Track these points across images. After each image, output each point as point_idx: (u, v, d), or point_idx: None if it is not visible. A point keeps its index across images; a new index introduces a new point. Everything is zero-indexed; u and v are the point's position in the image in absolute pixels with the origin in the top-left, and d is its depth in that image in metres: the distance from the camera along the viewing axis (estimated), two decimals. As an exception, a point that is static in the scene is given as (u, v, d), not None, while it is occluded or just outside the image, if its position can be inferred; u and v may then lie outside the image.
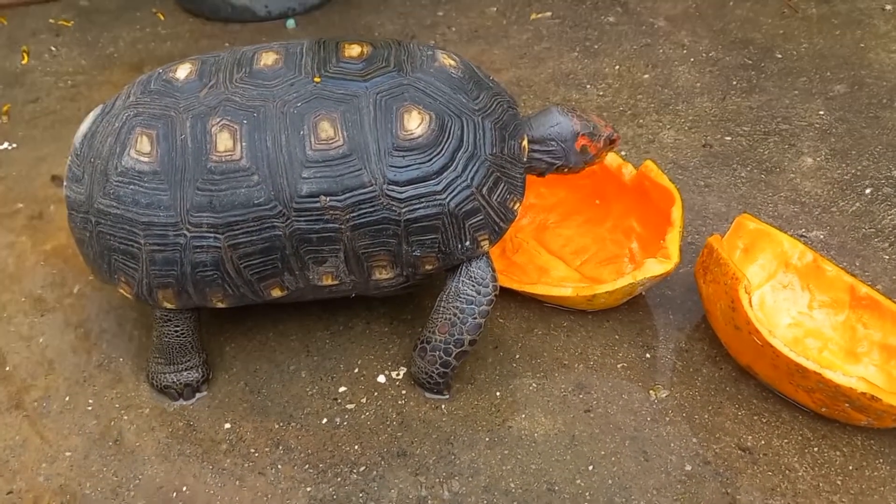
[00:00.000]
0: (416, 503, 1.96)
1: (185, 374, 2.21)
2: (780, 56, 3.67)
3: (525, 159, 2.17)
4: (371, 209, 1.98)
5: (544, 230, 2.70)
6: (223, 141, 1.95)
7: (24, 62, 3.87)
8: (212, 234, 1.99)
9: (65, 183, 2.14)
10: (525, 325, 2.43)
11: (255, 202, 1.96)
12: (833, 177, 2.95)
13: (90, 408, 2.22)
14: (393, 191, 1.98)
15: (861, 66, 3.56)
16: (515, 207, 2.13)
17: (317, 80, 2.00)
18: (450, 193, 2.01)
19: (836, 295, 2.33)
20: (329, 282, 2.09)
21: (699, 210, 2.83)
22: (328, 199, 1.96)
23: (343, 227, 1.99)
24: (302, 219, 1.98)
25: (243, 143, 1.95)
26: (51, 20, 4.23)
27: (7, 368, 2.33)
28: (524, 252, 2.61)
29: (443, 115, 2.01)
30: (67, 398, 2.24)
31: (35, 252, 2.74)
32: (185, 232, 1.99)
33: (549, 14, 4.13)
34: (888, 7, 3.98)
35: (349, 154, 1.96)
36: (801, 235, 2.68)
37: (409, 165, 1.98)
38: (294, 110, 1.97)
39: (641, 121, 3.30)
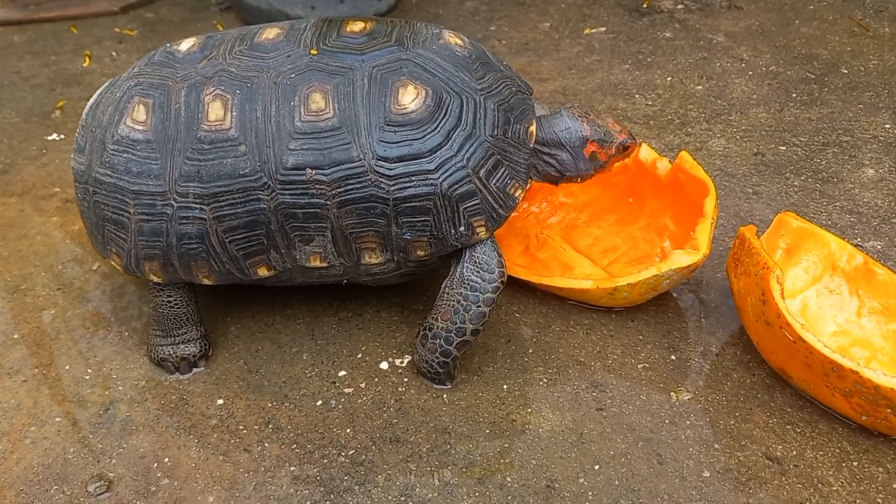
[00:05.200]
0: (402, 490, 1.82)
1: (181, 347, 2.14)
2: (845, 71, 3.47)
3: (532, 145, 2.04)
4: (358, 185, 1.88)
5: (573, 229, 2.55)
6: (214, 110, 1.91)
7: (85, 64, 4.00)
8: (197, 205, 1.93)
9: (72, 155, 2.14)
10: (542, 321, 2.27)
11: (241, 173, 1.90)
12: (896, 188, 2.72)
13: (88, 377, 2.17)
14: (382, 167, 1.88)
15: (936, 82, 3.32)
16: (517, 194, 1.99)
17: (313, 52, 1.95)
18: (443, 173, 1.89)
19: (888, 301, 2.10)
20: (317, 263, 2.00)
21: (745, 216, 2.64)
22: (314, 172, 1.88)
23: (329, 203, 1.90)
24: (287, 192, 1.90)
25: (234, 113, 1.90)
26: (116, 29, 4.39)
27: (14, 336, 2.32)
28: (549, 248, 2.47)
29: (441, 91, 1.91)
30: (67, 367, 2.21)
31: (62, 232, 2.76)
32: (172, 202, 1.94)
33: (603, 29, 4.03)
34: (970, 26, 3.73)
35: (339, 127, 1.88)
36: (857, 245, 2.45)
37: (401, 141, 1.88)
38: (287, 81, 1.91)
39: (690, 129, 3.14)
